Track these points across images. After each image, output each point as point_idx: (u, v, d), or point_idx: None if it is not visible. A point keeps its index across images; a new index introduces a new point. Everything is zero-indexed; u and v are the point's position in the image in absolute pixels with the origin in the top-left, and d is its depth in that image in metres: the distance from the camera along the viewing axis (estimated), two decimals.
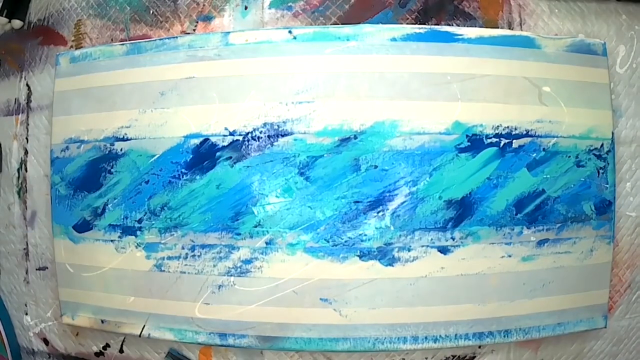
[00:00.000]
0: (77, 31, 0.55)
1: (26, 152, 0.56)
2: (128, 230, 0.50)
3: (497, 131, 0.47)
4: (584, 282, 0.48)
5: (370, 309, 0.47)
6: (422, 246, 0.47)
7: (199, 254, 0.49)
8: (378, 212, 0.47)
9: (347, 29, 0.48)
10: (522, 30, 0.50)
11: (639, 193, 0.51)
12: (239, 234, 0.48)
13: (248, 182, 0.48)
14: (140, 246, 0.50)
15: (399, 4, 0.51)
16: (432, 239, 0.47)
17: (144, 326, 0.50)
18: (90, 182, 0.51)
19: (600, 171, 0.48)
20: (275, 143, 0.48)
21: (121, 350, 0.53)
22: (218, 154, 0.48)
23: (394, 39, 0.47)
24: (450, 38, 0.47)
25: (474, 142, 0.47)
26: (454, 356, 0.50)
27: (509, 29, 0.50)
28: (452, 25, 0.50)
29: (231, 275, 0.48)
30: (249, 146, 0.48)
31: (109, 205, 0.50)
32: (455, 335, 0.47)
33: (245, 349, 0.50)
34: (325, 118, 0.47)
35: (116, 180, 0.50)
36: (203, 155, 0.48)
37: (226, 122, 0.48)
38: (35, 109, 0.56)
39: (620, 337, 0.51)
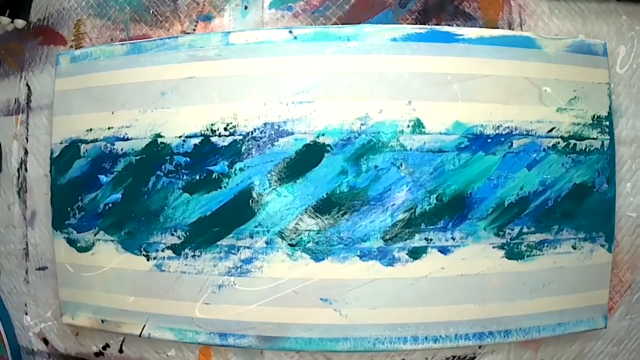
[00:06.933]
0: (77, 31, 0.55)
1: (26, 152, 0.56)
2: (128, 230, 0.50)
3: (497, 131, 0.47)
4: (584, 282, 0.48)
5: (370, 309, 0.47)
6: (422, 246, 0.47)
7: (199, 254, 0.49)
8: (378, 212, 0.47)
9: (347, 29, 0.48)
10: (522, 30, 0.50)
11: (639, 193, 0.51)
12: (239, 234, 0.48)
13: (248, 182, 0.48)
14: (140, 246, 0.50)
15: (399, 4, 0.51)
16: (432, 239, 0.47)
17: (144, 326, 0.50)
18: (91, 182, 0.51)
19: (600, 171, 0.48)
20: (275, 143, 0.48)
21: (121, 350, 0.53)
22: (218, 153, 0.48)
23: (394, 39, 0.47)
24: (451, 38, 0.47)
25: (475, 142, 0.47)
26: (454, 356, 0.50)
27: (509, 29, 0.50)
28: (452, 25, 0.50)
29: (231, 275, 0.48)
30: (250, 146, 0.48)
31: (109, 205, 0.50)
32: (456, 335, 0.47)
33: (245, 349, 0.50)
34: (326, 118, 0.47)
35: (116, 180, 0.50)
36: (203, 155, 0.48)
37: (226, 122, 0.48)
38: (35, 108, 0.56)
39: (621, 337, 0.51)
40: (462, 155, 0.47)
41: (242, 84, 0.48)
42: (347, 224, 0.47)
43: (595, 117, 0.49)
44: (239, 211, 0.48)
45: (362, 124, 0.47)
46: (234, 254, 0.48)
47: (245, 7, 0.52)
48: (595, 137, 0.48)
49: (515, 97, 0.47)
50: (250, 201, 0.48)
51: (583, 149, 0.48)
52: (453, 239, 0.47)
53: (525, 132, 0.47)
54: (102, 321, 0.51)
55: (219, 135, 0.48)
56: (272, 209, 0.48)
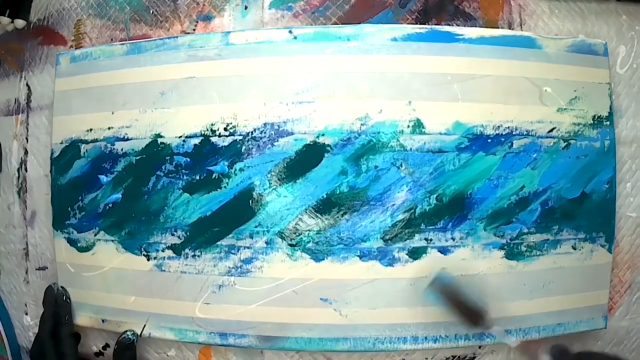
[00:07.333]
0: (77, 31, 0.55)
1: (26, 152, 0.56)
2: (129, 230, 0.50)
3: (497, 131, 0.47)
4: (584, 282, 0.48)
5: (370, 309, 0.47)
6: (422, 246, 0.47)
7: (199, 254, 0.49)
8: (378, 213, 0.47)
9: (347, 29, 0.48)
10: (522, 30, 0.50)
11: (639, 193, 0.51)
12: (239, 234, 0.48)
13: (248, 182, 0.48)
14: (141, 246, 0.50)
15: (399, 4, 0.51)
16: (432, 239, 0.47)
17: (145, 326, 0.50)
18: (91, 182, 0.51)
19: (601, 172, 0.48)
20: (275, 143, 0.48)
21: None
22: (218, 153, 0.48)
23: (394, 39, 0.47)
24: (451, 38, 0.47)
25: (475, 143, 0.47)
26: (454, 356, 0.50)
27: (509, 29, 0.50)
28: (453, 25, 0.50)
29: (231, 275, 0.48)
30: (250, 146, 0.48)
31: (110, 205, 0.50)
32: (455, 335, 0.47)
33: (245, 348, 0.50)
34: (326, 118, 0.47)
35: (117, 180, 0.50)
36: (204, 155, 0.48)
37: (226, 122, 0.48)
38: (35, 108, 0.56)
39: (621, 337, 0.51)
40: (462, 155, 0.47)
41: (242, 84, 0.48)
42: (347, 224, 0.47)
43: (596, 117, 0.49)
44: (239, 211, 0.48)
45: (362, 124, 0.47)
46: (234, 254, 0.48)
47: (245, 7, 0.52)
48: (595, 137, 0.48)
49: (516, 97, 0.47)
50: (250, 201, 0.48)
51: (583, 149, 0.48)
52: (453, 239, 0.47)
53: (525, 132, 0.47)
54: (103, 321, 0.51)
55: (219, 136, 0.48)
56: (272, 209, 0.48)
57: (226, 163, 0.48)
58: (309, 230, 0.47)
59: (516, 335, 0.47)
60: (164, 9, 0.53)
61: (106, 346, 0.53)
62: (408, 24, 0.50)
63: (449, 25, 0.50)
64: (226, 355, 0.51)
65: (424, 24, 0.50)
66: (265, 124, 0.48)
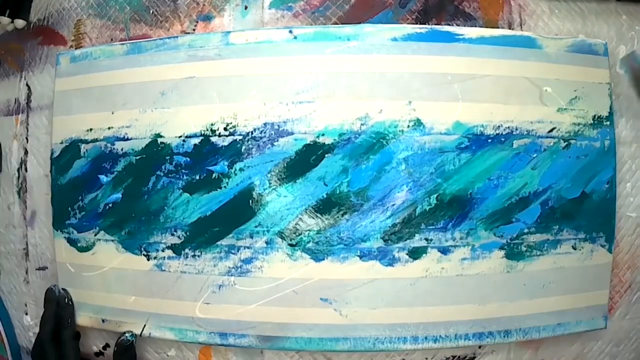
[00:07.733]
0: (77, 31, 0.55)
1: (26, 152, 0.56)
2: (129, 230, 0.50)
3: (497, 131, 0.47)
4: (584, 282, 0.48)
5: (370, 309, 0.47)
6: (422, 246, 0.47)
7: (199, 253, 0.49)
8: (378, 212, 0.47)
9: (347, 29, 0.48)
10: (522, 30, 0.50)
11: (639, 193, 0.51)
12: (239, 234, 0.48)
13: (248, 182, 0.48)
14: (140, 246, 0.50)
15: (399, 4, 0.51)
16: (432, 239, 0.47)
17: (145, 325, 0.50)
18: (91, 182, 0.51)
19: (601, 172, 0.48)
20: (275, 143, 0.48)
21: None
22: (218, 153, 0.48)
23: (394, 39, 0.47)
24: (451, 38, 0.47)
25: (475, 142, 0.47)
26: (454, 356, 0.50)
27: (509, 29, 0.50)
28: (453, 25, 0.50)
29: (231, 275, 0.48)
30: (250, 146, 0.48)
31: (110, 205, 0.50)
32: (455, 335, 0.47)
33: (245, 348, 0.50)
34: (326, 118, 0.47)
35: (116, 180, 0.50)
36: (203, 155, 0.48)
37: (226, 122, 0.48)
38: (35, 108, 0.56)
39: (620, 338, 0.51)
40: (462, 155, 0.47)
41: (242, 84, 0.48)
42: (347, 224, 0.47)
43: (596, 117, 0.48)
44: (239, 211, 0.48)
45: (362, 124, 0.47)
46: (234, 254, 0.48)
47: (245, 7, 0.52)
48: (595, 137, 0.48)
49: (516, 97, 0.47)
50: (250, 201, 0.48)
51: (583, 149, 0.48)
52: (453, 239, 0.47)
53: (525, 132, 0.47)
54: (103, 321, 0.51)
55: (219, 135, 0.48)
56: (272, 209, 0.48)
57: (226, 163, 0.48)
58: (309, 230, 0.47)
59: (516, 335, 0.47)
60: (164, 9, 0.53)
61: (106, 346, 0.53)
62: (408, 24, 0.50)
63: (449, 25, 0.50)
64: (226, 355, 0.51)
65: (424, 24, 0.50)
66: (265, 124, 0.48)
